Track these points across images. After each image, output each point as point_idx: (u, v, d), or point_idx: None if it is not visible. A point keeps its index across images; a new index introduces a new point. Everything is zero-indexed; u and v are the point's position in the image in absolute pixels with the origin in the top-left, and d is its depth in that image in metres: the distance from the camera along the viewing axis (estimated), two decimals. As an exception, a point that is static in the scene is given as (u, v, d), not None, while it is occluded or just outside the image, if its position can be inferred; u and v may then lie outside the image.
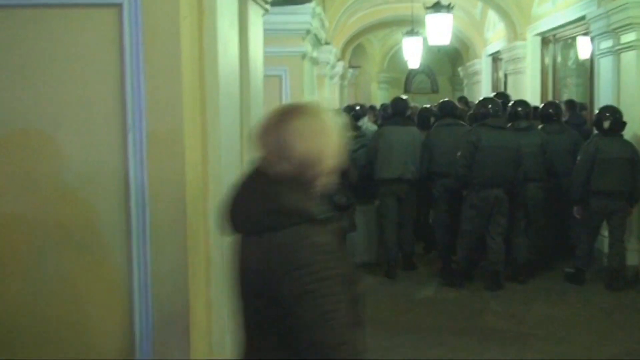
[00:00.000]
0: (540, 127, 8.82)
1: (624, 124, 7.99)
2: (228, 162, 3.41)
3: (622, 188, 7.89)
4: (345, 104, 16.17)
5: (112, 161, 2.87)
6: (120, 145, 2.87)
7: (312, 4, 8.02)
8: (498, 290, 8.05)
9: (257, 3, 4.12)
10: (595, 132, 8.27)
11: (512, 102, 9.06)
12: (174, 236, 2.90)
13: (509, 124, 8.38)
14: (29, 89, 2.91)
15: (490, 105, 8.15)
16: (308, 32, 8.22)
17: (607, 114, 8.05)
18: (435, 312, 7.50)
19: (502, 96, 9.83)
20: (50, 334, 2.96)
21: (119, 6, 2.86)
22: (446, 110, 9.20)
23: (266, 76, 7.92)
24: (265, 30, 7.81)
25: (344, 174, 7.72)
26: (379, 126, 10.28)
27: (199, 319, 3.04)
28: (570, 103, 10.56)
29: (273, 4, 7.60)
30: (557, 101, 10.47)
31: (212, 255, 3.16)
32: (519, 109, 8.63)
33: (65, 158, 2.91)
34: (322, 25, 9.06)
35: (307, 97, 8.44)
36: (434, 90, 24.91)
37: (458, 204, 8.30)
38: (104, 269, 2.92)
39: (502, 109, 8.28)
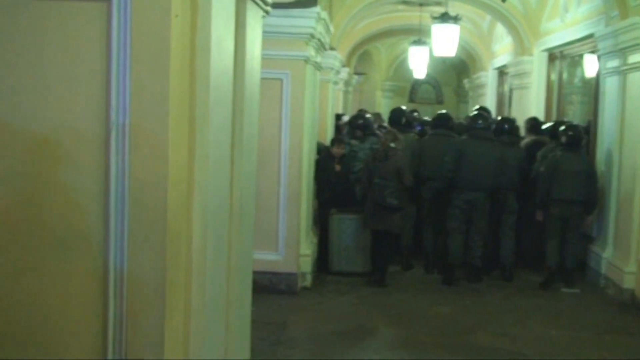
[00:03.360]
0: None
1: (581, 139, 9.19)
2: (217, 165, 3.32)
3: (578, 197, 8.93)
4: (350, 111, 16.15)
5: (93, 157, 2.78)
6: (102, 142, 2.78)
7: (317, 9, 7.95)
8: (478, 283, 9.03)
9: (257, 4, 4.02)
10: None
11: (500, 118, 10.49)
12: (153, 239, 2.81)
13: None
14: (12, 81, 2.82)
15: (480, 120, 9.35)
16: (312, 36, 8.14)
17: (566, 131, 9.20)
18: (428, 327, 7.43)
19: (484, 110, 10.58)
20: (23, 335, 2.88)
21: (109, 0, 2.78)
22: (441, 122, 10.19)
23: (267, 79, 7.91)
24: (268, 32, 7.75)
25: (399, 177, 7.95)
26: None
27: (176, 325, 2.95)
28: (533, 121, 10.89)
29: (276, 7, 7.57)
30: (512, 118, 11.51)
31: (194, 261, 3.07)
32: (505, 125, 9.91)
33: (45, 152, 2.82)
34: (327, 31, 8.97)
35: (308, 102, 8.36)
36: (439, 101, 24.82)
37: (444, 205, 9.22)
38: (79, 270, 2.83)
39: (490, 124, 9.51)
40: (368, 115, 11.08)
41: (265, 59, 7.67)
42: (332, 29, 9.48)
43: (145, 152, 2.79)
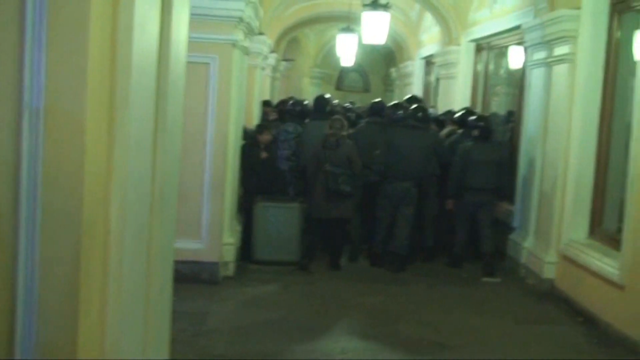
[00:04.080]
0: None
1: (491, 131, 9.61)
2: (138, 151, 3.16)
3: (490, 185, 9.34)
4: (277, 98, 16.02)
5: (3, 141, 2.59)
6: (13, 125, 2.58)
7: (246, -9, 7.78)
8: (401, 272, 9.13)
9: (184, -17, 3.86)
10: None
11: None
12: (68, 229, 2.62)
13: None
14: None
15: (401, 110, 9.62)
16: (241, 19, 7.97)
17: (477, 121, 9.61)
18: (353, 317, 7.38)
19: (416, 100, 10.97)
20: None
21: (22, -27, 2.58)
22: (375, 110, 10.22)
23: (193, 63, 7.72)
24: (195, 15, 7.52)
25: (350, 164, 7.96)
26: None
27: (91, 321, 2.78)
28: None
29: (204, -13, 7.38)
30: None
31: (112, 252, 2.91)
32: (419, 113, 9.81)
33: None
34: (257, 14, 8.80)
35: (235, 87, 8.20)
36: (366, 89, 24.86)
37: (374, 195, 9.43)
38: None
39: (412, 112, 9.62)
40: (306, 102, 11.19)
41: (192, 42, 7.45)
42: (261, 12, 9.31)
43: (60, 136, 2.60)
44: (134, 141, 3.04)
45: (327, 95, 11.18)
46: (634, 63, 7.36)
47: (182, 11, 4.01)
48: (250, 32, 8.83)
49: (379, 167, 9.21)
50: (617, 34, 8.01)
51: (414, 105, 9.93)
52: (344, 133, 9.05)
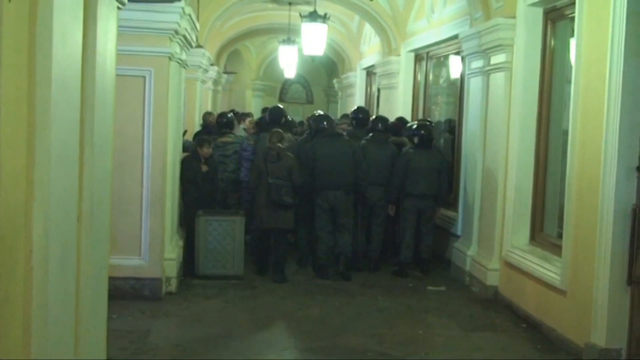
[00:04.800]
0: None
1: (432, 138, 9.82)
2: (61, 167, 3.05)
3: (430, 192, 9.56)
4: (219, 110, 15.91)
5: None
6: None
7: (181, 3, 7.68)
8: (348, 280, 9.23)
9: (110, -6, 3.77)
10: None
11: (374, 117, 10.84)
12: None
13: (370, 135, 9.99)
14: None
15: (325, 122, 9.68)
16: (176, 32, 7.87)
17: (418, 130, 9.77)
18: (296, 330, 7.30)
19: (363, 111, 11.11)
20: None
21: None
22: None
23: (129, 76, 7.63)
24: (130, 27, 7.48)
25: (290, 176, 8.00)
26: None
27: (13, 345, 2.66)
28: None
29: (138, 0, 7.27)
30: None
31: (35, 272, 2.79)
32: (379, 124, 10.18)
33: None
34: (193, 27, 8.69)
35: (172, 100, 8.08)
36: (309, 101, 24.89)
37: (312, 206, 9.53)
38: None
39: (333, 123, 9.94)
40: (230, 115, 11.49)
41: (128, 55, 7.47)
42: (198, 25, 9.21)
43: (-26, 153, 2.50)
44: (56, 156, 2.94)
45: (281, 106, 11.36)
46: (569, 70, 7.45)
47: (109, 22, 3.92)
48: (186, 44, 8.73)
49: (309, 178, 9.29)
50: (552, 42, 8.10)
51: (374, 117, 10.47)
52: (283, 145, 9.16)
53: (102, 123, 3.80)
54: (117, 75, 7.25)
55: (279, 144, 9.11)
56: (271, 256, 9.46)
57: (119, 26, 7.25)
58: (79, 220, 3.42)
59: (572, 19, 7.20)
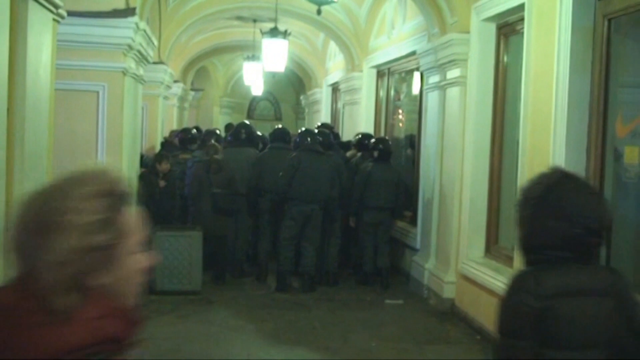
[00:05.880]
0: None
1: (390, 151, 10.12)
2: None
3: (387, 204, 9.84)
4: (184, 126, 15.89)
5: None
6: None
7: (135, 19, 7.68)
8: (311, 292, 9.35)
9: (43, 6, 3.76)
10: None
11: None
12: None
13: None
14: None
15: (309, 137, 9.91)
16: (130, 47, 7.86)
17: (377, 144, 10.10)
18: (250, 343, 7.28)
19: (327, 127, 11.66)
20: None
21: None
22: (278, 137, 10.61)
23: (82, 91, 7.62)
24: (85, 43, 7.49)
25: (231, 186, 8.17)
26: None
27: None
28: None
29: (91, 16, 7.28)
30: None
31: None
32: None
33: None
34: (149, 42, 8.69)
35: (127, 116, 8.06)
36: (277, 117, 24.93)
37: (280, 216, 9.79)
38: None
39: (318, 139, 9.95)
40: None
41: (82, 70, 7.48)
42: (155, 40, 9.21)
43: None
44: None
45: (247, 122, 11.90)
46: (521, 84, 7.53)
47: (43, 34, 3.91)
48: (142, 60, 8.71)
49: (282, 187, 9.47)
50: (504, 57, 8.20)
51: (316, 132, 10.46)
52: (220, 157, 9.66)
53: (35, 139, 3.78)
54: (71, 90, 7.37)
55: (216, 156, 9.59)
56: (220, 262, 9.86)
57: (74, 41, 7.36)
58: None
59: (523, 34, 7.30)
